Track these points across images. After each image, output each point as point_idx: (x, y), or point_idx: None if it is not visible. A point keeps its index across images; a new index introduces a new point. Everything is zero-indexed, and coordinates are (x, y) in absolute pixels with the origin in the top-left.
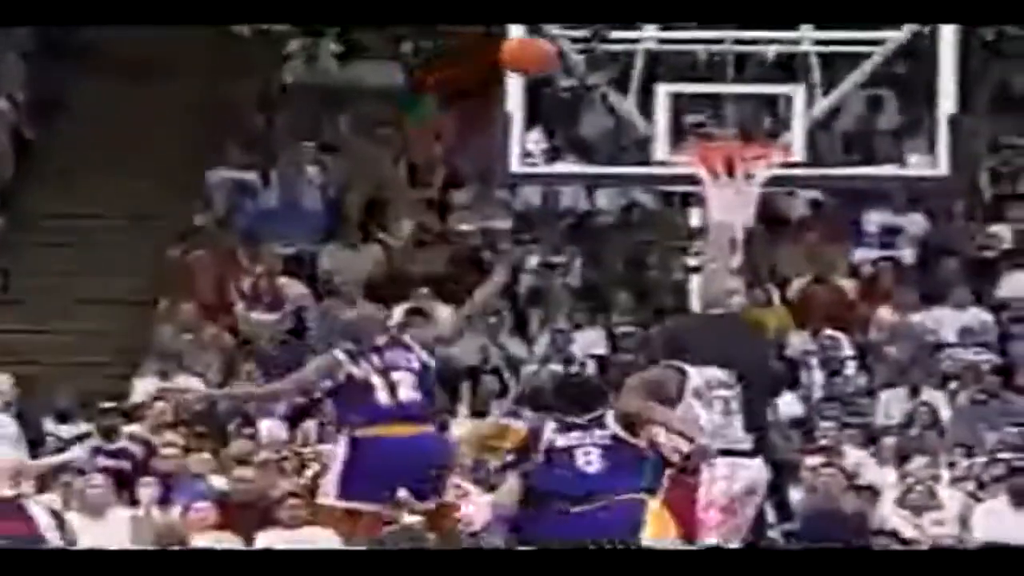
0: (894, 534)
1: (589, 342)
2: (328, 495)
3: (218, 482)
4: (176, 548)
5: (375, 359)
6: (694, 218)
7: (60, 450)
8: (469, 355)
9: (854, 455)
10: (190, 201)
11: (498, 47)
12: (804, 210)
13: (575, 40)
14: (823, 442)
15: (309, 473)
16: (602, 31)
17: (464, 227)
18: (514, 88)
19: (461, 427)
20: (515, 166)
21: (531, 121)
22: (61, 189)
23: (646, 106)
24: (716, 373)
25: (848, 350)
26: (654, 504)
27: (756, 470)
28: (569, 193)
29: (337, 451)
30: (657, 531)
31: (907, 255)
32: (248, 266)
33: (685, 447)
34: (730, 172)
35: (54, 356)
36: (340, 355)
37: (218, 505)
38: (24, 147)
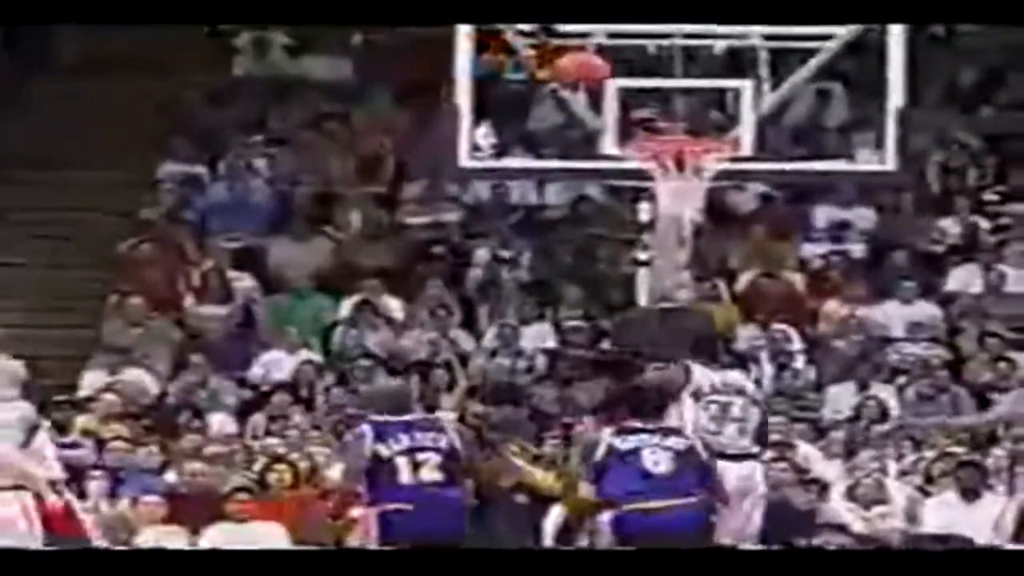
0: (842, 528)
1: (538, 336)
2: None
3: (167, 476)
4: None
5: (404, 437)
6: (643, 212)
7: None
8: (419, 349)
9: (803, 449)
10: (139, 195)
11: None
12: (753, 204)
13: (525, 35)
14: (773, 437)
15: (257, 467)
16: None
17: (413, 221)
18: (463, 83)
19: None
20: (464, 161)
21: (480, 116)
22: (10, 183)
23: (595, 101)
24: (726, 377)
25: (797, 344)
26: None
27: (748, 472)
28: (518, 187)
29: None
30: None
31: (856, 249)
32: (197, 260)
33: None
34: (679, 166)
35: (2, 349)
36: (368, 431)
37: (167, 499)
38: None
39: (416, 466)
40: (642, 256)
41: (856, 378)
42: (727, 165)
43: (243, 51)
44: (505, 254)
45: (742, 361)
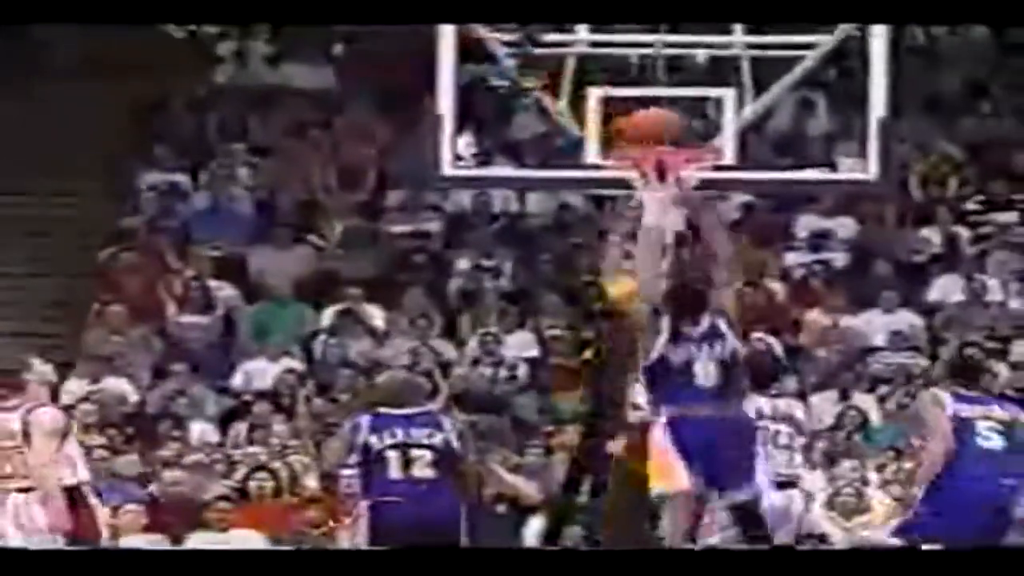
0: (822, 537)
1: (520, 345)
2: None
3: (148, 484)
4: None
5: (398, 431)
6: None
7: None
8: (400, 357)
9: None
10: (121, 203)
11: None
12: (735, 213)
13: (507, 43)
14: None
15: (238, 476)
16: (534, 34)
17: (395, 229)
18: (445, 91)
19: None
20: (446, 169)
21: (462, 124)
22: None
23: (577, 109)
24: (776, 404)
25: (779, 353)
26: None
27: (784, 502)
28: (500, 196)
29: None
30: None
31: (838, 259)
32: (178, 268)
33: None
34: (661, 176)
35: None
36: (364, 422)
37: (148, 507)
38: None
39: (408, 462)
40: (624, 265)
41: (837, 387)
42: (709, 174)
43: (225, 59)
44: (487, 263)
45: None
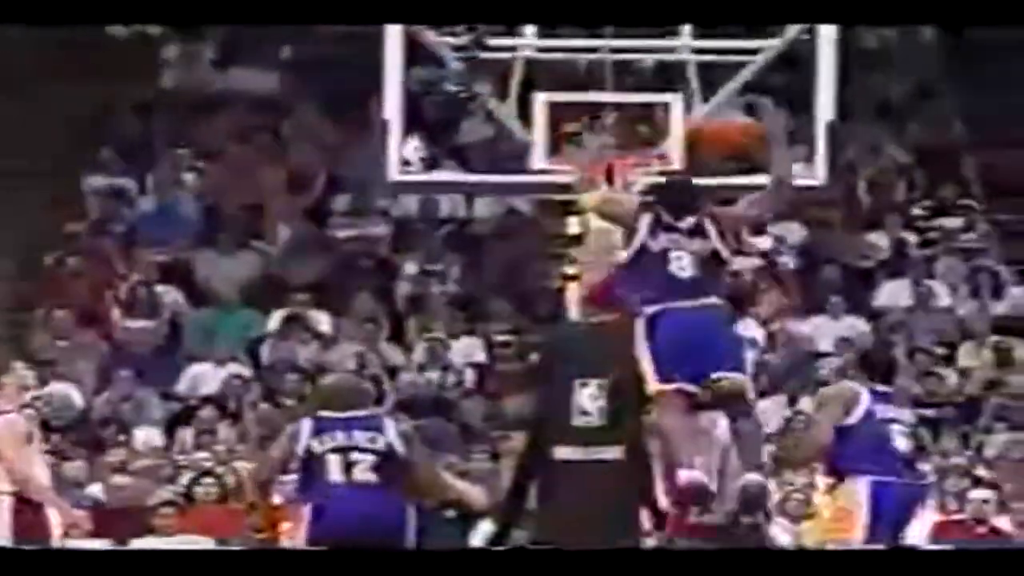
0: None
1: (467, 350)
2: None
3: (93, 489)
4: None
5: (339, 435)
6: (572, 226)
7: None
8: (347, 362)
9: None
10: (66, 207)
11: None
12: None
13: (454, 48)
14: None
15: (184, 481)
16: (482, 39)
17: (342, 234)
18: (392, 96)
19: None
20: (393, 174)
21: (409, 129)
22: None
23: (525, 114)
24: None
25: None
26: None
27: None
28: (448, 200)
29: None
30: None
31: (786, 263)
32: (124, 273)
33: None
34: (609, 181)
35: None
36: (306, 426)
37: (93, 512)
38: None
39: (349, 466)
40: (571, 270)
41: (785, 392)
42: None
43: (171, 63)
44: (434, 268)
45: None
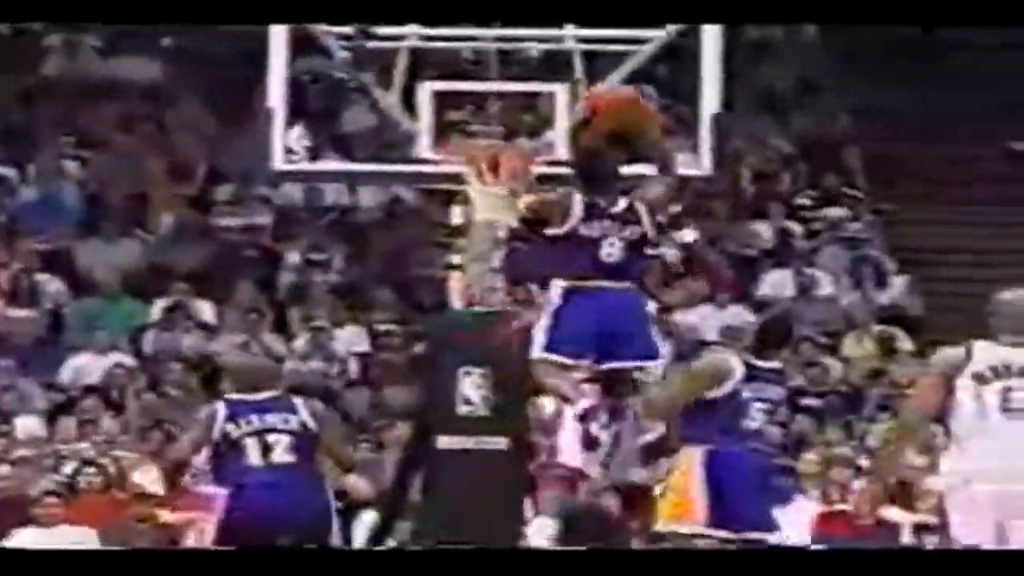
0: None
1: (350, 340)
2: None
3: None
4: None
5: (253, 418)
6: (456, 216)
7: None
8: (230, 352)
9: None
10: None
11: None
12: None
13: (340, 37)
14: None
15: (66, 471)
16: (367, 28)
17: (225, 223)
18: (276, 84)
19: None
20: (277, 163)
21: (293, 118)
22: None
23: (409, 103)
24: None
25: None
26: None
27: None
28: (331, 189)
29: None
30: None
31: (670, 253)
32: (5, 261)
33: None
34: (494, 171)
35: None
36: (221, 410)
37: None
38: None
39: (266, 448)
40: (455, 260)
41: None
42: (541, 169)
43: (53, 51)
44: (317, 257)
45: None
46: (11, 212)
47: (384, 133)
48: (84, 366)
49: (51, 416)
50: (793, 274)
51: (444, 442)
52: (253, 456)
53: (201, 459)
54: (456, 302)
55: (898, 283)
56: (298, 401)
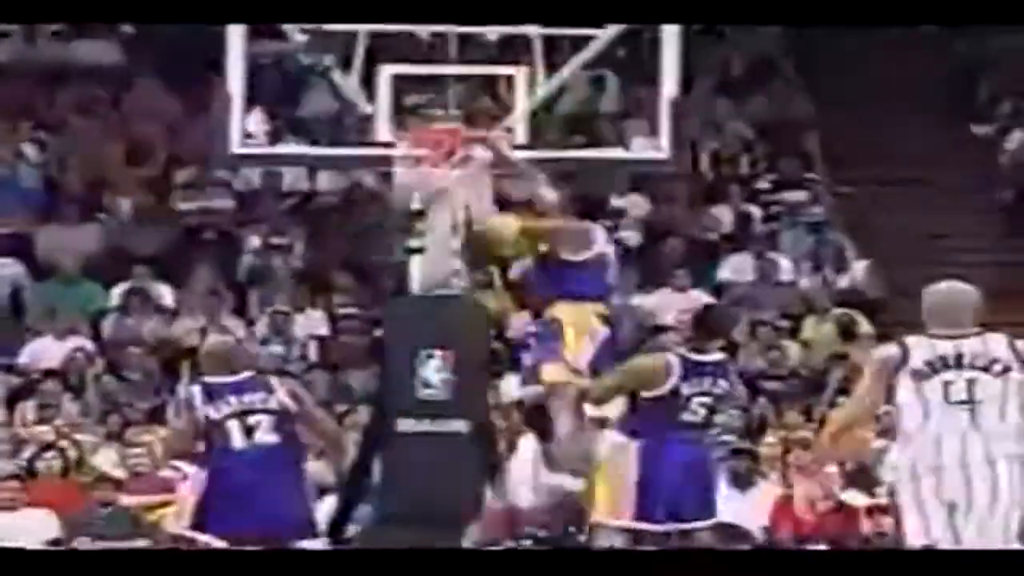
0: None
1: (310, 324)
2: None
3: None
4: None
5: (232, 399)
6: (415, 200)
7: None
8: (189, 336)
9: None
10: None
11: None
12: (526, 192)
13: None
14: None
15: (26, 455)
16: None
17: (184, 207)
18: (234, 68)
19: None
20: (236, 147)
21: (252, 101)
22: None
23: (369, 87)
24: None
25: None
26: None
27: None
28: (291, 173)
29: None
30: None
31: (629, 237)
32: None
33: None
34: (451, 155)
35: None
36: (196, 393)
37: None
38: None
39: (249, 430)
40: (415, 244)
41: None
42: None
43: (10, 35)
44: (277, 241)
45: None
46: None
47: (343, 117)
48: (43, 350)
49: (10, 400)
50: (753, 258)
51: (404, 425)
52: (236, 438)
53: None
54: (416, 286)
55: (858, 267)
56: (274, 381)
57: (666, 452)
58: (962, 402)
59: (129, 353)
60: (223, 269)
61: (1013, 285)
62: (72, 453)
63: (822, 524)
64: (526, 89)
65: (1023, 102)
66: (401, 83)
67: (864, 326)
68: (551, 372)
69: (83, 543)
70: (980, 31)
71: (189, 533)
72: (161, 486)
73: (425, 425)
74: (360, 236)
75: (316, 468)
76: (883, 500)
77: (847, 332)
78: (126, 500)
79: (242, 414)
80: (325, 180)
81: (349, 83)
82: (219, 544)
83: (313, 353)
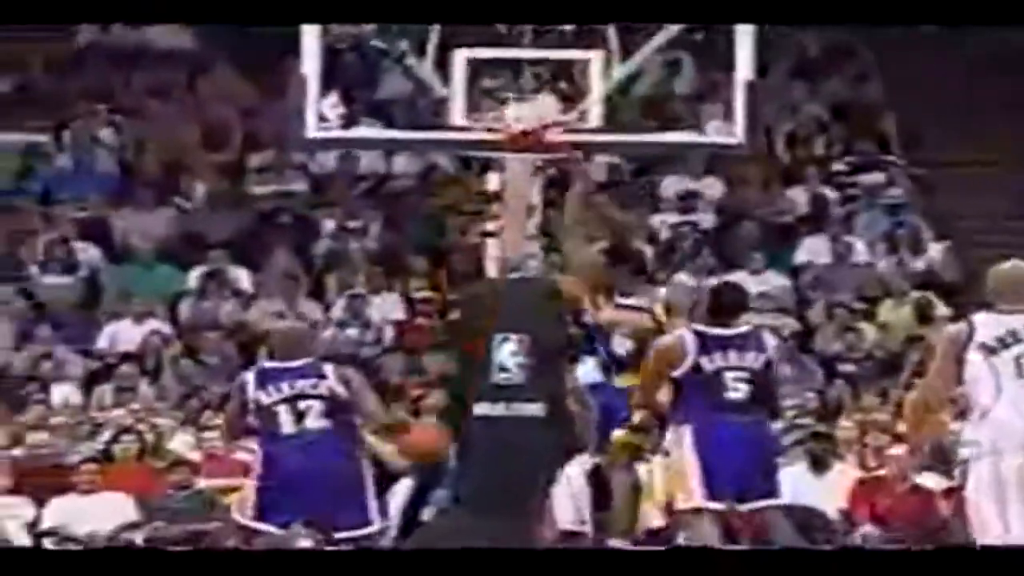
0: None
1: (386, 307)
2: (246, 515)
3: (12, 447)
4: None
5: (284, 385)
6: (491, 183)
7: None
8: (266, 319)
9: None
10: None
11: None
12: (602, 176)
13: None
14: None
15: (103, 438)
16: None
17: (260, 191)
18: (310, 52)
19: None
20: (312, 131)
21: (328, 85)
22: None
23: (444, 70)
24: None
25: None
26: None
27: None
28: (367, 157)
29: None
30: None
31: (705, 220)
32: (42, 229)
33: None
34: (527, 138)
35: None
36: (250, 379)
37: (12, 470)
38: None
39: (299, 415)
40: (490, 227)
41: None
42: (575, 136)
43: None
44: (353, 224)
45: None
46: (47, 180)
47: (419, 100)
48: (121, 333)
49: (88, 383)
50: (829, 240)
51: (480, 409)
52: (286, 423)
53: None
54: (491, 268)
55: (935, 249)
56: (328, 367)
57: (716, 433)
58: None
59: (206, 337)
60: (299, 253)
61: None
62: (149, 436)
63: (898, 507)
64: (601, 73)
65: None
66: (476, 67)
67: (941, 308)
68: (619, 437)
69: (159, 526)
70: None
71: (253, 524)
72: (237, 469)
73: (500, 409)
74: (435, 219)
75: (390, 452)
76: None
77: (924, 315)
78: (202, 483)
79: (292, 399)
80: (401, 163)
81: (424, 67)
82: (279, 533)
83: (389, 336)
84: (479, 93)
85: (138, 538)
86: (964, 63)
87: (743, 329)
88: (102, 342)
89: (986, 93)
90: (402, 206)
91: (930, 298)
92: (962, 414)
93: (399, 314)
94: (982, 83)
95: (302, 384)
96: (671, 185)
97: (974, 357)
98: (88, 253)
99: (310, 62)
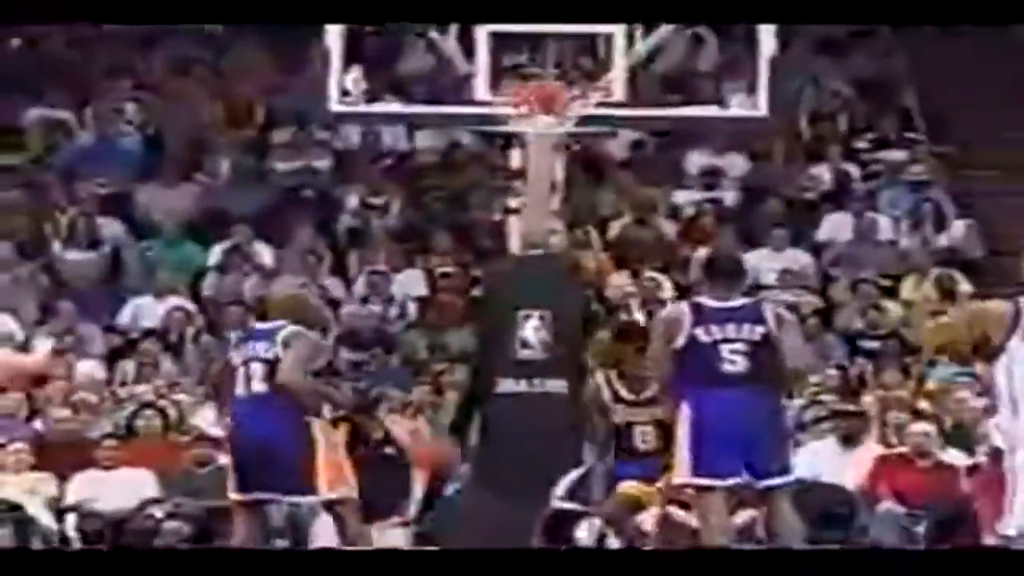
0: None
1: (408, 283)
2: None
3: (34, 422)
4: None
5: (247, 347)
6: (514, 159)
7: None
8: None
9: None
10: (5, 140)
11: None
12: (624, 151)
13: None
14: None
15: (125, 414)
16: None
17: (283, 166)
18: (333, 27)
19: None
20: (334, 106)
21: (350, 60)
22: None
23: (467, 45)
24: None
25: (669, 291)
26: None
27: None
28: (390, 133)
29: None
30: None
31: (728, 197)
32: (65, 205)
33: None
34: (548, 112)
35: None
36: (233, 337)
37: (34, 445)
38: None
39: (248, 378)
40: (513, 203)
41: None
42: (598, 111)
43: None
44: (375, 200)
45: (613, 309)
46: (69, 155)
47: (441, 75)
48: (143, 309)
49: (110, 359)
50: (852, 217)
51: (503, 385)
52: (240, 386)
53: None
54: (514, 245)
55: (958, 226)
56: (281, 330)
57: (710, 406)
58: None
59: (228, 312)
60: (322, 229)
61: None
62: (171, 412)
63: (920, 483)
64: (624, 47)
65: None
66: (499, 42)
67: (964, 285)
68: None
69: (181, 502)
70: None
71: (236, 496)
72: None
73: (523, 386)
74: (458, 195)
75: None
76: (982, 459)
77: (947, 292)
78: (224, 459)
79: (247, 362)
80: (423, 139)
81: (447, 42)
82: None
83: (411, 312)
84: (502, 68)
85: (159, 513)
86: (987, 37)
87: (742, 301)
88: (124, 318)
89: (1011, 72)
90: (425, 182)
91: (953, 275)
92: (986, 391)
93: (421, 290)
94: (1007, 61)
95: (258, 347)
96: (694, 161)
97: (1017, 344)
98: (111, 229)
99: (332, 38)
